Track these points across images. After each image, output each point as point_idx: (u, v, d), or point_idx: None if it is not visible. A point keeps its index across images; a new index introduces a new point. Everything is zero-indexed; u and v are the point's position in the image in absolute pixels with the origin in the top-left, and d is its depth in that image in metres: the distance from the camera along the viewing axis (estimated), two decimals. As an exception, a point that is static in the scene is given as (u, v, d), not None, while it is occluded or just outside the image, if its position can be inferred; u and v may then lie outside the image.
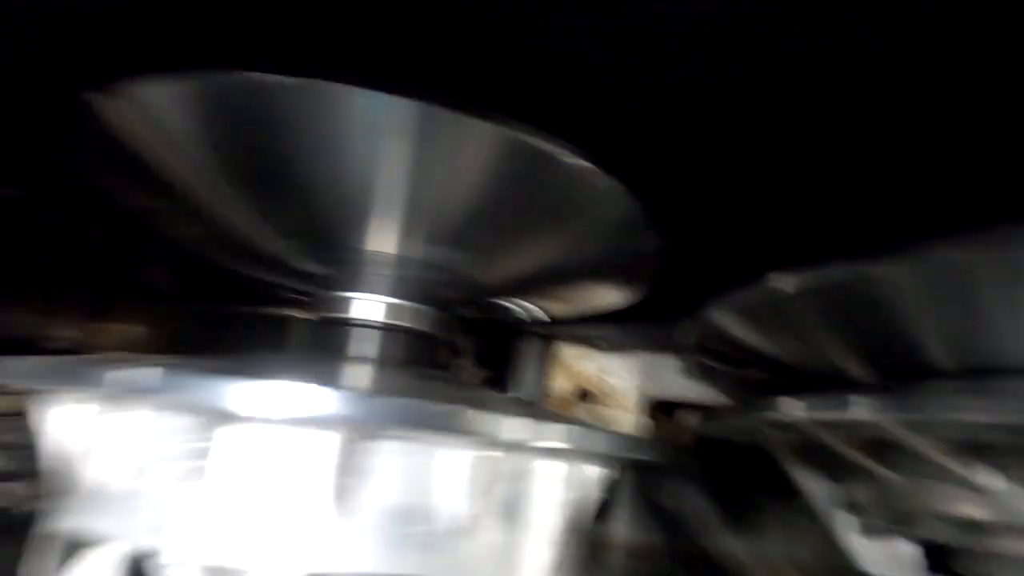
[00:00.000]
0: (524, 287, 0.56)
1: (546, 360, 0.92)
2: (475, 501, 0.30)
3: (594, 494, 0.38)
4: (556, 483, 0.33)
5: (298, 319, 0.90)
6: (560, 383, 0.95)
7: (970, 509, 0.35)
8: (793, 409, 0.36)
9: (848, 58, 0.31)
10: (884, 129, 0.36)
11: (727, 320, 0.46)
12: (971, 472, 0.34)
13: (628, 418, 0.92)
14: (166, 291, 0.88)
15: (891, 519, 0.42)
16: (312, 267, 0.48)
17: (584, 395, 0.95)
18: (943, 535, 0.40)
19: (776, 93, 0.34)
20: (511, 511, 0.32)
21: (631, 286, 0.55)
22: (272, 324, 0.89)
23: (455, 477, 0.29)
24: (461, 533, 0.30)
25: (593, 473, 0.38)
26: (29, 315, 0.70)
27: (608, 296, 0.59)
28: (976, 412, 0.30)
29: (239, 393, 0.25)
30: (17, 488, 0.51)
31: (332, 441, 0.27)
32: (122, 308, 0.84)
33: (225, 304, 0.89)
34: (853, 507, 0.45)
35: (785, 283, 0.38)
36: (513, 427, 0.29)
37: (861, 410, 0.33)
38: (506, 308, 0.68)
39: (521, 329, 0.90)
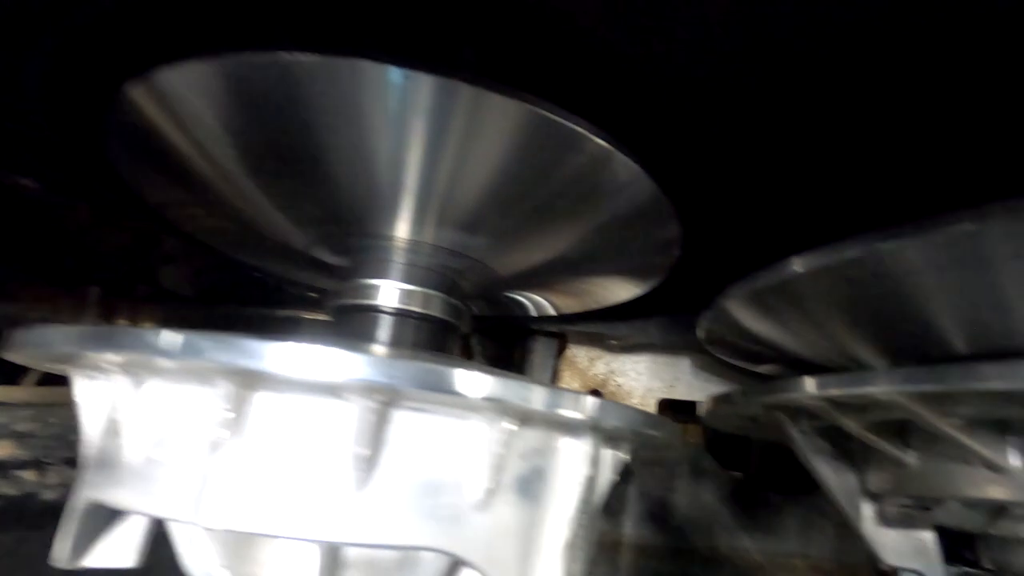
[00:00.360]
0: (540, 278, 0.56)
1: (556, 360, 0.92)
2: (494, 475, 0.30)
3: (609, 476, 0.38)
4: (577, 460, 0.33)
5: (309, 320, 0.91)
6: (570, 384, 0.95)
7: (994, 491, 0.35)
8: (809, 388, 0.36)
9: (866, 35, 0.31)
10: (902, 108, 0.36)
11: (741, 309, 0.46)
12: (993, 451, 0.34)
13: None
14: (181, 292, 0.89)
15: (912, 506, 0.42)
16: (331, 256, 0.49)
17: (594, 396, 0.95)
18: (967, 520, 0.39)
19: (794, 74, 0.35)
20: (530, 487, 0.32)
21: (647, 278, 0.55)
22: (285, 325, 0.90)
23: (474, 450, 0.30)
24: (479, 507, 0.30)
25: (608, 454, 0.38)
26: (41, 311, 0.71)
27: (623, 289, 0.59)
28: (995, 380, 0.30)
29: (263, 353, 0.25)
30: (27, 476, 0.51)
31: (353, 410, 0.28)
32: (134, 307, 0.85)
33: (238, 305, 0.90)
34: (870, 496, 0.44)
35: (799, 264, 0.38)
36: (535, 394, 0.29)
37: (878, 384, 0.33)
38: (518, 303, 0.69)
39: (531, 329, 0.90)
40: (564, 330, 0.92)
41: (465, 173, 0.40)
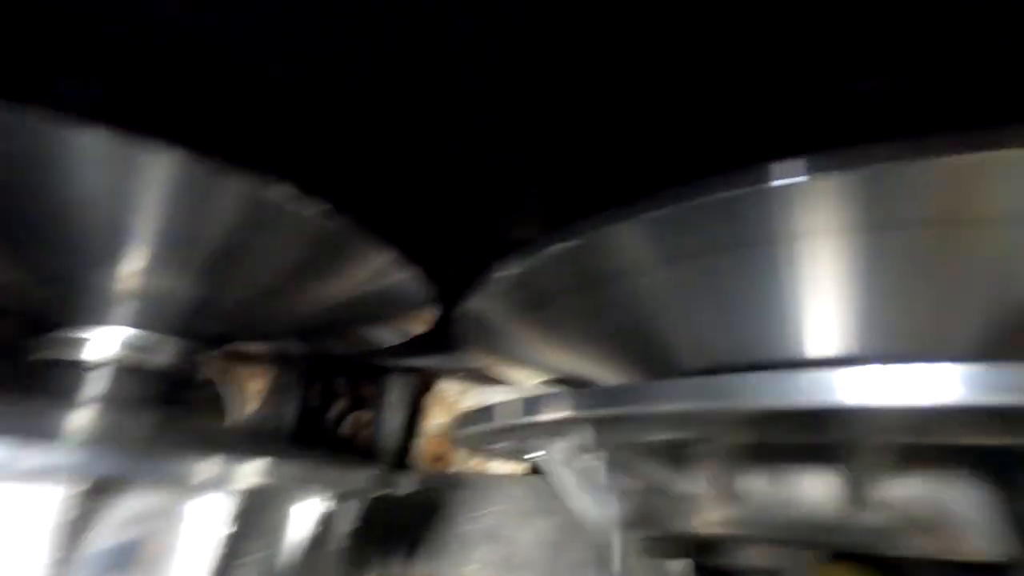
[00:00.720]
0: (305, 322, 0.53)
1: (421, 396, 0.88)
2: (64, 547, 0.26)
3: (299, 530, 0.35)
4: (206, 520, 0.30)
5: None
6: (439, 419, 0.91)
7: (689, 520, 0.32)
8: (499, 415, 0.33)
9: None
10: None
11: (484, 329, 0.43)
12: (673, 478, 0.31)
13: (511, 452, 0.88)
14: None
15: (656, 538, 0.39)
16: (43, 301, 0.45)
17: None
18: (689, 550, 0.36)
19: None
20: (133, 555, 0.28)
21: (420, 315, 0.53)
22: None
23: (38, 518, 0.26)
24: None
25: (310, 506, 0.35)
26: None
27: (407, 326, 0.56)
28: (660, 402, 0.27)
29: None
30: None
31: None
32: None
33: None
34: (624, 527, 0.41)
35: (506, 269, 0.36)
36: (112, 459, 0.26)
37: (553, 409, 0.30)
38: (345, 337, 0.65)
39: (387, 367, 0.86)
40: (429, 366, 0.89)
41: (160, 228, 0.38)
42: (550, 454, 0.42)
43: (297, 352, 0.85)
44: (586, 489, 0.42)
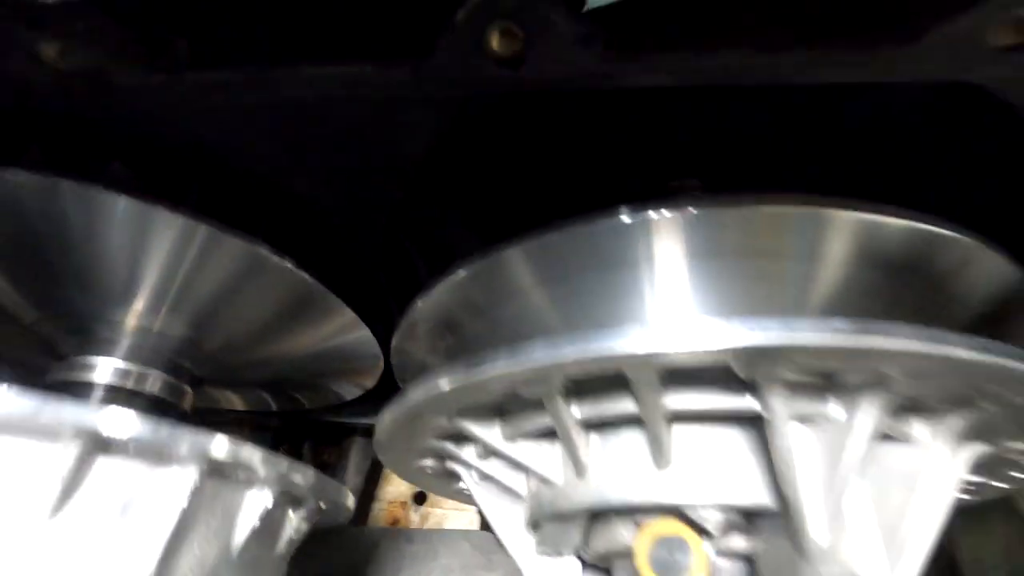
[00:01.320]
0: (273, 371, 0.62)
1: (374, 463, 0.94)
2: (63, 497, 0.34)
3: (252, 519, 0.42)
4: (175, 490, 0.38)
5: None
6: (396, 487, 0.96)
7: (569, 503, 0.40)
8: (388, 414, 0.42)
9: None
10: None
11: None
12: (546, 462, 0.40)
13: (466, 517, 0.93)
14: None
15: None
16: (56, 334, 0.54)
17: (422, 497, 0.96)
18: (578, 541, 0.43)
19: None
20: (115, 512, 0.36)
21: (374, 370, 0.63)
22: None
23: (44, 471, 0.34)
24: (48, 526, 0.34)
25: (259, 496, 0.43)
26: None
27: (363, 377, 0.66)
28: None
29: None
30: None
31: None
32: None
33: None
34: (531, 526, 0.48)
35: (417, 305, 0.46)
36: (110, 421, 0.34)
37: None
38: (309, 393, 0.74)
39: (349, 431, 0.93)
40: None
41: (176, 283, 0.49)
42: (465, 465, 0.50)
43: (265, 413, 0.92)
44: (493, 494, 0.50)
